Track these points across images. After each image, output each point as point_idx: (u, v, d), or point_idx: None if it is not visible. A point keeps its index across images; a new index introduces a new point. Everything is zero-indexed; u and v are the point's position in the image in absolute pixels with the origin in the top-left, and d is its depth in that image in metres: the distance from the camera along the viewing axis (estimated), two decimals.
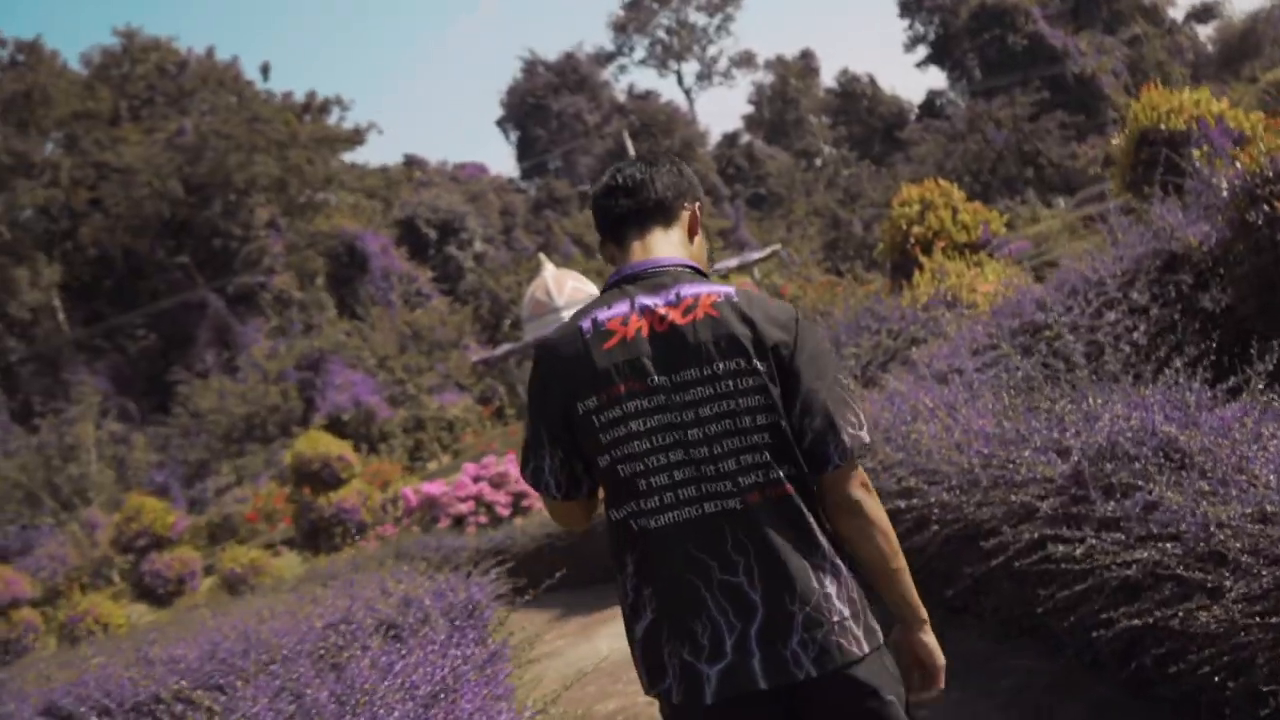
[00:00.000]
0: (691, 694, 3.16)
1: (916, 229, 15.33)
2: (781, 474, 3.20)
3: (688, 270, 3.40)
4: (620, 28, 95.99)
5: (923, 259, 13.95)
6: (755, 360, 3.20)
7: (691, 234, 3.55)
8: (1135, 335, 8.00)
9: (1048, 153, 65.73)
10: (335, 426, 43.33)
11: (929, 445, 6.55)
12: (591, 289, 32.55)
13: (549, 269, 33.10)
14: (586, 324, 3.31)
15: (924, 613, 3.38)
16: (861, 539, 3.26)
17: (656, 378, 3.22)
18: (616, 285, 3.40)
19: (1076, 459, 5.11)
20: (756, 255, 25.89)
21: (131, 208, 55.68)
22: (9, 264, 54.25)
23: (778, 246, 33.21)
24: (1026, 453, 5.46)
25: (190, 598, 23.81)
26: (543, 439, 3.37)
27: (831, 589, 3.19)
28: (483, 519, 17.05)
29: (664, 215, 3.48)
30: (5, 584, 25.59)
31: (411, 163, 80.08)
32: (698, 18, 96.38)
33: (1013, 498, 5.30)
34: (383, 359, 47.61)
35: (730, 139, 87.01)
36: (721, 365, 3.20)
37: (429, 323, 50.38)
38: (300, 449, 23.48)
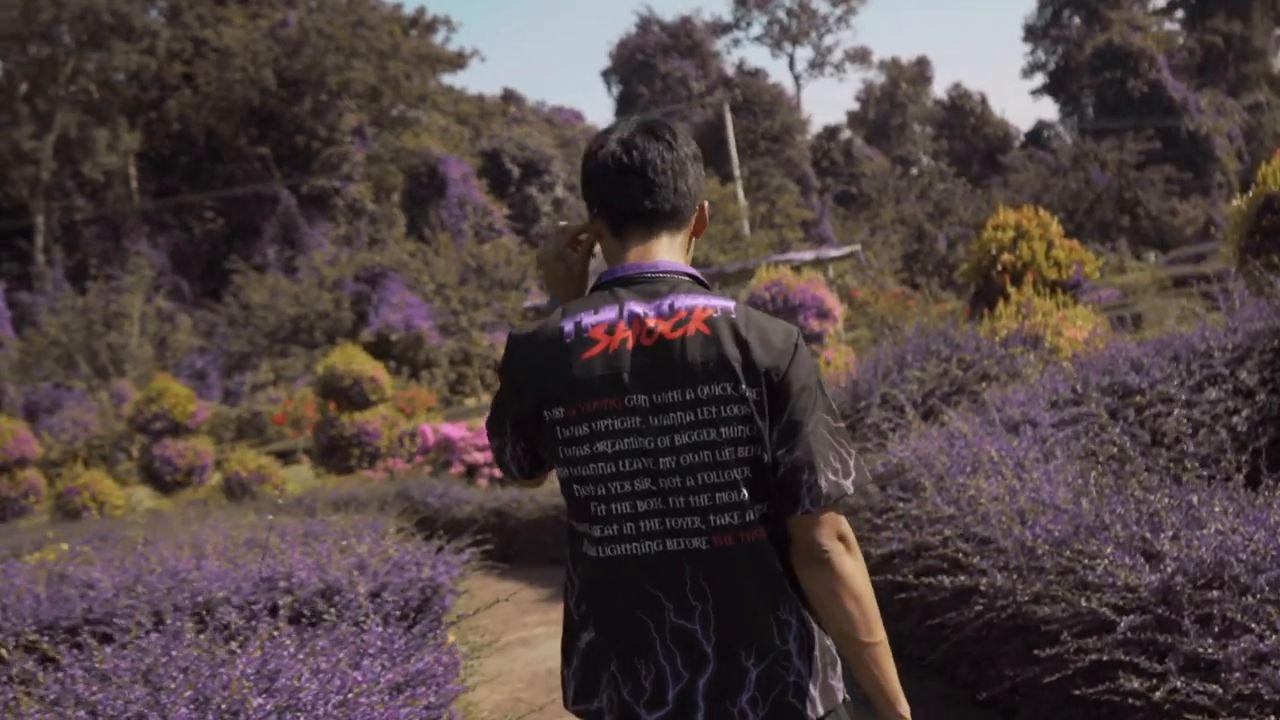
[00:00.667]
0: None
1: (1007, 256, 14.59)
2: (757, 515, 2.88)
3: (686, 279, 3.05)
4: (742, 1, 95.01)
5: (1010, 289, 13.03)
6: (744, 386, 2.87)
7: (696, 234, 3.22)
8: (1235, 420, 7.10)
9: (1147, 204, 64.43)
10: (382, 345, 42.89)
11: (987, 507, 5.64)
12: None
13: None
14: (569, 326, 2.98)
15: (904, 705, 2.92)
16: (827, 598, 2.88)
17: (634, 397, 2.90)
18: (607, 287, 3.04)
19: (1171, 571, 4.17)
20: (834, 252, 24.95)
21: (222, 89, 55.32)
22: (91, 123, 53.98)
23: (857, 247, 32.23)
24: (1108, 548, 4.51)
25: (196, 490, 23.16)
26: (506, 427, 3.10)
27: (793, 646, 2.89)
28: (496, 473, 16.27)
29: (677, 220, 3.10)
30: (15, 440, 24.97)
31: (508, 97, 79.38)
32: (821, 4, 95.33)
33: (1083, 602, 4.35)
34: (441, 286, 46.96)
35: (830, 132, 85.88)
36: (707, 389, 2.87)
37: (495, 258, 49.61)
38: (334, 362, 22.78)
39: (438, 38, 65.10)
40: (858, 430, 9.06)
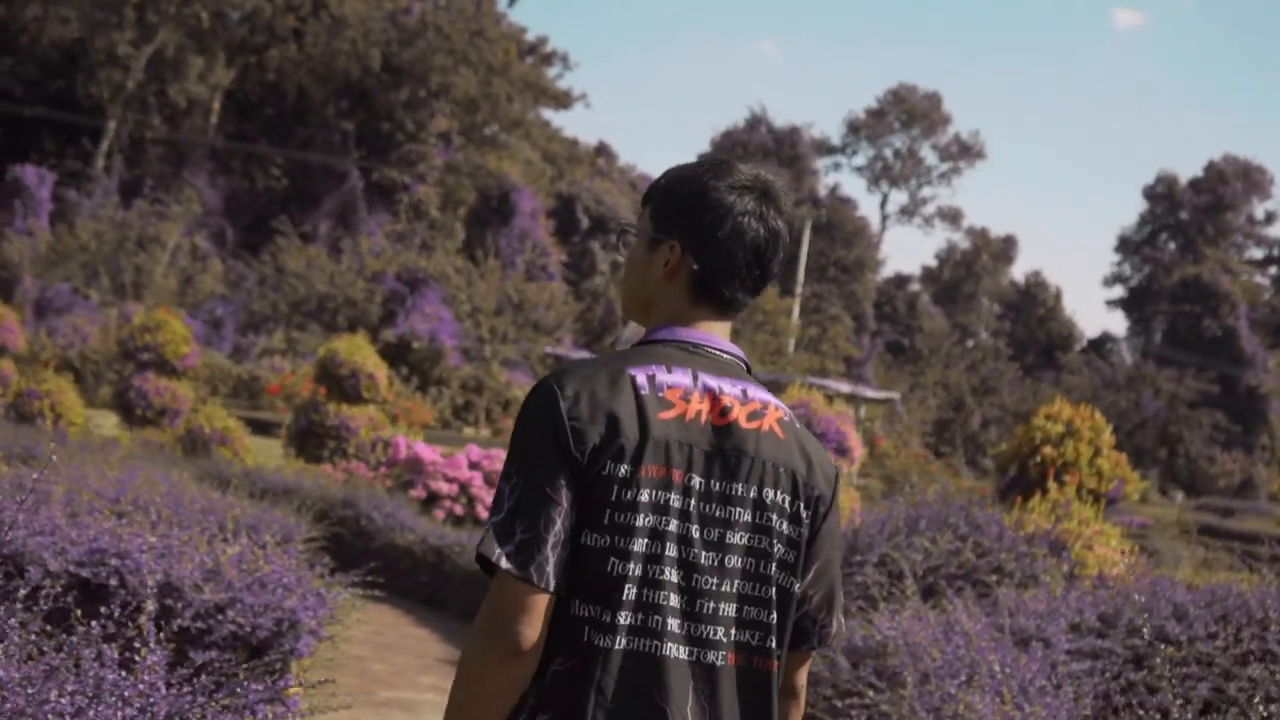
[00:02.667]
0: None
1: (1049, 450, 13.81)
2: (775, 643, 2.66)
3: (744, 367, 2.79)
4: (854, 128, 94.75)
5: (1051, 485, 12.05)
6: (802, 506, 2.68)
7: None
8: (1274, 711, 6.07)
9: (1189, 443, 63.46)
10: (401, 349, 42.05)
11: None
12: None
13: None
14: (641, 378, 2.63)
15: None
16: None
17: (697, 478, 2.61)
18: (671, 344, 2.72)
19: None
20: (871, 393, 23.94)
21: (326, 55, 54.92)
22: (191, 48, 53.54)
23: (896, 396, 31.12)
24: None
25: (162, 432, 22.15)
26: (559, 491, 2.53)
27: None
28: (458, 509, 15.18)
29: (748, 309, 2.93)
30: (1, 324, 24.03)
31: (601, 150, 78.79)
32: (930, 156, 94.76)
33: None
34: (476, 310, 46.10)
35: (900, 280, 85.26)
36: (772, 495, 2.64)
37: (538, 299, 48.76)
38: (337, 348, 21.86)
39: (551, 70, 64.70)
40: (845, 586, 8.00)
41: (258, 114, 57.21)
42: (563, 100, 64.58)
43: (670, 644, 2.55)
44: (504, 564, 2.48)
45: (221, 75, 54.08)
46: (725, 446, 2.63)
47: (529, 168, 61.86)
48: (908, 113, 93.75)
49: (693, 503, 2.58)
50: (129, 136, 53.87)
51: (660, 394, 2.61)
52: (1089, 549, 9.56)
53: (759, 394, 2.71)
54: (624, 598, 2.53)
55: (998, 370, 66.47)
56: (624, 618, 2.53)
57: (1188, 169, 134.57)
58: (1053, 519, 9.87)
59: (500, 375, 44.57)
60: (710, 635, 2.58)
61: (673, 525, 2.56)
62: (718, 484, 2.61)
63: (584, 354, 40.06)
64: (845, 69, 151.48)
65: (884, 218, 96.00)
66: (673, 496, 2.56)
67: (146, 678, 3.42)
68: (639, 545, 2.54)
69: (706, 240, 2.71)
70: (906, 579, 7.29)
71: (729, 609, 2.59)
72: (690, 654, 2.56)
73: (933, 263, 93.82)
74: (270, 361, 42.75)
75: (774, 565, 2.63)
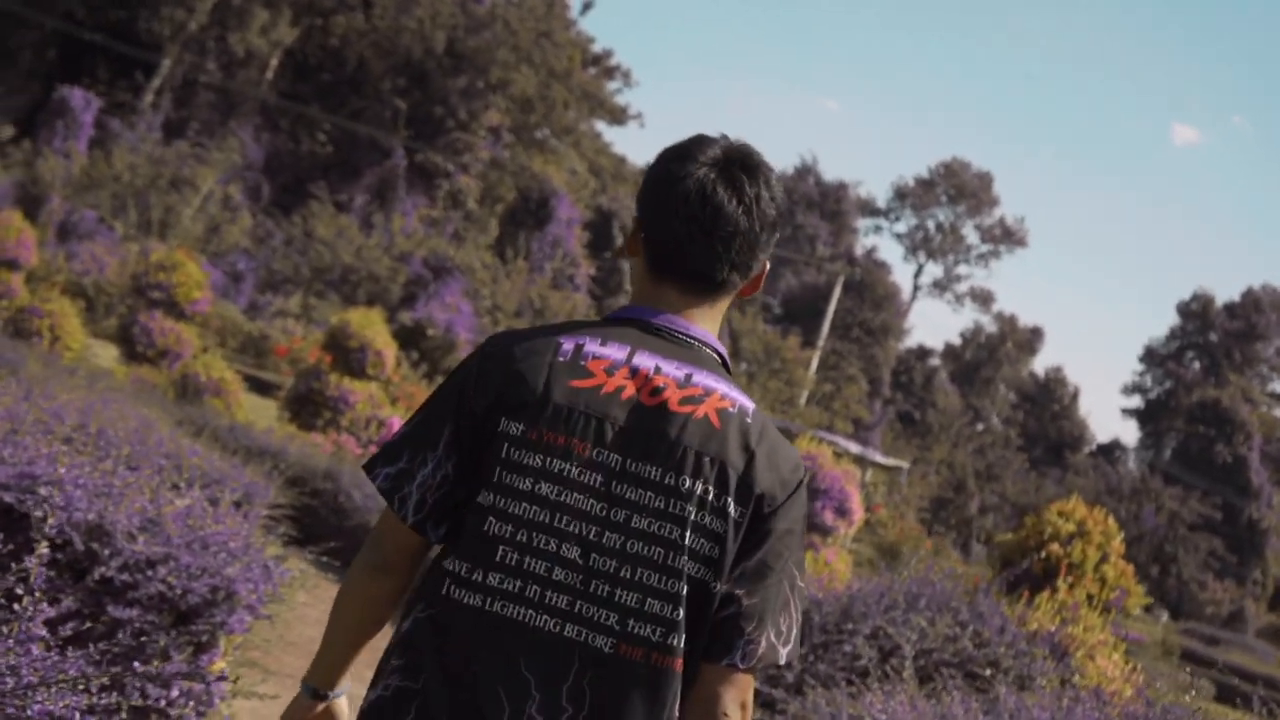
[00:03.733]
0: None
1: (1056, 548, 13.46)
2: (679, 642, 2.50)
3: (714, 356, 2.68)
4: (901, 194, 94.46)
5: (1061, 584, 11.61)
6: (731, 501, 2.53)
7: (742, 294, 2.78)
8: None
9: (1183, 565, 62.88)
10: (414, 334, 41.60)
11: None
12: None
13: None
14: (567, 344, 2.60)
15: None
16: None
17: (607, 453, 2.50)
18: (626, 322, 2.67)
19: None
20: (880, 459, 23.35)
21: (391, 30, 54.68)
22: (258, 0, 53.24)
23: (906, 465, 30.33)
24: None
25: (158, 373, 21.71)
26: (441, 436, 2.57)
27: None
28: None
29: (727, 290, 2.71)
30: (17, 241, 23.58)
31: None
32: (972, 234, 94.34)
33: None
34: (495, 307, 45.70)
35: (922, 352, 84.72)
36: (690, 484, 2.51)
37: (559, 309, 48.36)
38: (350, 319, 21.46)
39: (611, 84, 64.37)
40: (829, 656, 7.51)
41: (314, 77, 56.90)
42: (618, 116, 64.22)
43: (548, 617, 2.48)
44: (376, 482, 2.63)
45: (285, 32, 53.70)
46: (645, 427, 2.54)
47: (573, 176, 61.50)
48: (957, 188, 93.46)
49: (600, 479, 2.52)
50: (182, 77, 53.57)
51: (582, 363, 2.57)
52: (1090, 658, 9.06)
53: (706, 380, 2.60)
54: (497, 559, 2.50)
55: (1004, 459, 66.07)
56: (494, 579, 2.49)
57: (1225, 291, 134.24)
58: (1058, 620, 9.37)
59: None
60: (600, 619, 2.49)
61: (570, 498, 2.51)
62: (632, 464, 2.52)
63: None
64: (902, 133, 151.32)
65: (916, 287, 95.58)
66: (572, 468, 2.51)
67: (23, 630, 2.93)
68: (521, 509, 2.50)
69: (654, 211, 2.65)
70: (905, 660, 6.80)
71: (628, 596, 2.49)
72: (576, 633, 2.48)
73: (956, 340, 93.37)
74: (283, 323, 42.35)
75: (684, 557, 2.50)
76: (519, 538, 2.49)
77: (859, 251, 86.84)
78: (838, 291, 65.41)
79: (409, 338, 39.66)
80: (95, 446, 5.01)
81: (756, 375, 53.51)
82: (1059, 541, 13.41)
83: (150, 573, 3.89)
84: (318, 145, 55.32)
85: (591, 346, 2.59)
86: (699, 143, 2.70)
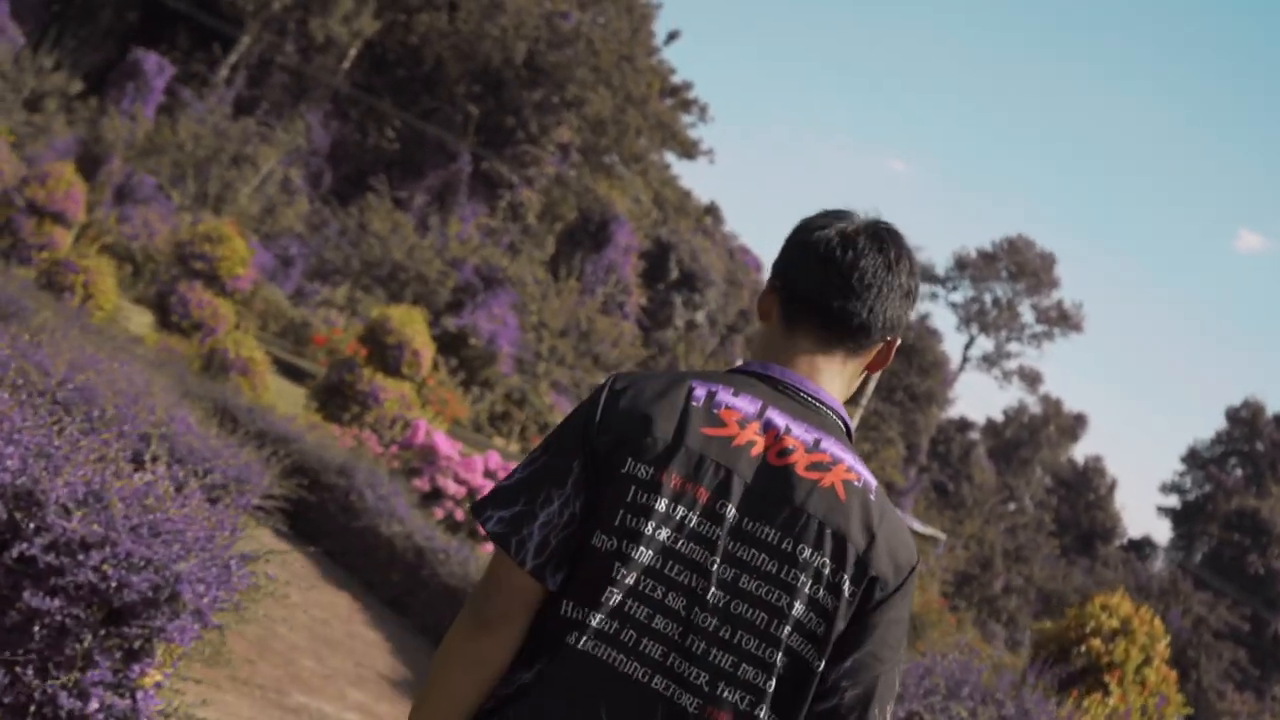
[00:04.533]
0: None
1: (1097, 643, 12.65)
2: (765, 715, 2.40)
3: (840, 424, 2.61)
4: (961, 264, 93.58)
5: (1115, 687, 10.86)
6: (846, 579, 2.44)
7: (873, 368, 2.73)
8: None
9: (1204, 673, 61.82)
10: (456, 341, 41.13)
11: None
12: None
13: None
14: (700, 391, 2.52)
15: None
16: None
17: (730, 508, 2.43)
18: (754, 376, 2.59)
19: None
20: (917, 526, 22.62)
21: (473, 35, 54.41)
22: None
23: (942, 536, 29.37)
24: None
25: (189, 345, 21.19)
26: (568, 475, 2.46)
27: None
28: (459, 514, 13.99)
29: (860, 341, 2.64)
30: (66, 194, 23.12)
31: (710, 210, 77.72)
32: (1028, 314, 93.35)
33: None
34: (542, 324, 45.13)
35: (962, 424, 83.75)
36: (808, 554, 2.43)
37: (606, 333, 47.74)
38: (391, 314, 20.88)
39: (686, 117, 63.86)
40: None
41: (389, 71, 56.61)
42: (690, 150, 63.66)
43: (639, 665, 2.40)
44: (487, 526, 2.50)
45: (367, 23, 53.43)
46: (770, 486, 2.46)
47: (635, 204, 60.99)
48: (1018, 265, 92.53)
49: (719, 532, 2.43)
50: (259, 56, 53.39)
51: (715, 411, 2.50)
52: None
53: (834, 449, 2.53)
54: (606, 600, 2.41)
55: (1035, 542, 65.14)
56: (594, 619, 2.41)
57: (1277, 402, 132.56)
58: None
59: (546, 395, 43.55)
60: (691, 676, 2.40)
61: (685, 547, 2.43)
62: (750, 522, 2.44)
63: None
64: (968, 202, 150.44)
65: (965, 359, 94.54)
66: (694, 517, 2.43)
67: None
68: (644, 555, 2.41)
69: (793, 261, 2.65)
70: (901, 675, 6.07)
71: (723, 658, 2.41)
72: (665, 687, 2.40)
73: (999, 416, 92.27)
74: (327, 313, 41.92)
75: (788, 628, 2.42)
76: (640, 586, 2.42)
77: (911, 317, 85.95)
78: None
79: (450, 344, 39.17)
80: (65, 406, 4.34)
81: None
82: (1100, 637, 12.69)
83: (83, 557, 3.22)
84: (385, 140, 54.98)
85: (724, 396, 2.52)
86: (842, 211, 2.71)
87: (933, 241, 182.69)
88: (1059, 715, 8.06)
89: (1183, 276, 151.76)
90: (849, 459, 2.53)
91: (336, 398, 20.34)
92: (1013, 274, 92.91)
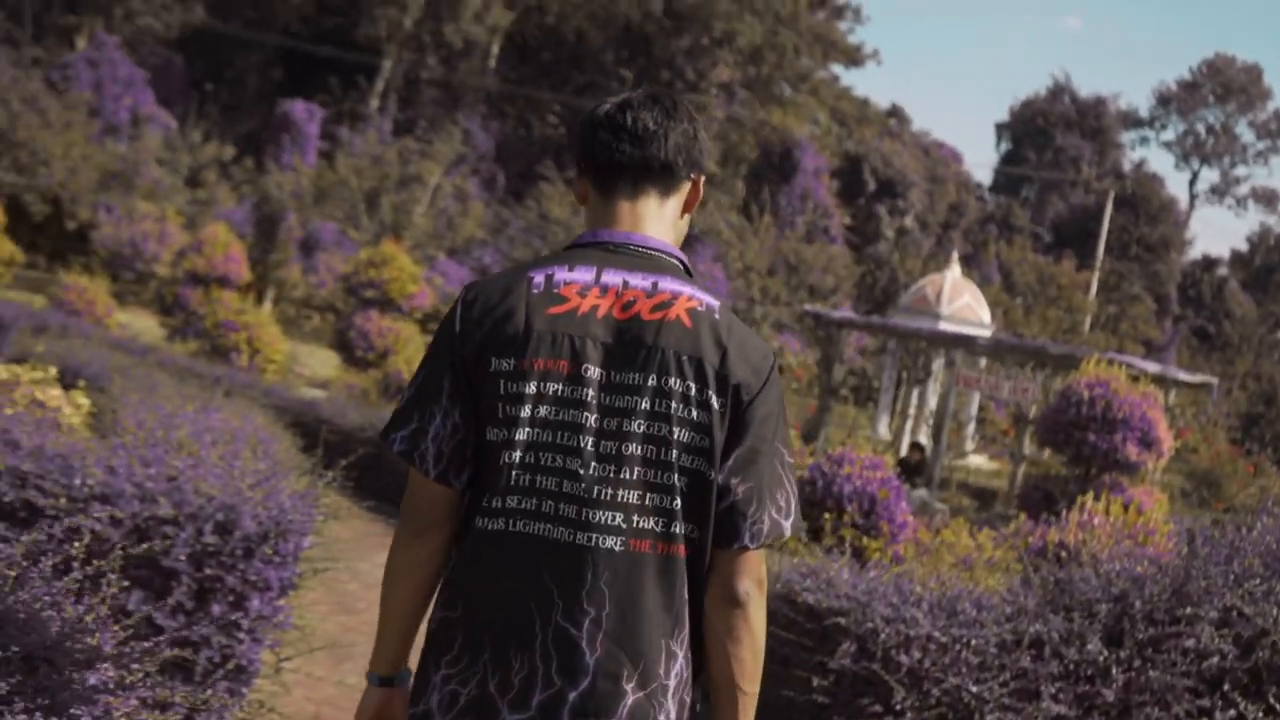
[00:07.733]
0: None
1: None
2: (683, 530, 2.71)
3: (674, 262, 2.88)
4: (1164, 100, 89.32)
5: None
6: (713, 393, 2.72)
7: (687, 209, 2.99)
8: None
9: None
10: None
11: None
12: (984, 316, 28.04)
13: (953, 272, 28.57)
14: (538, 277, 2.78)
15: None
16: (730, 641, 2.73)
17: (591, 368, 2.71)
18: (587, 246, 2.86)
19: None
20: (1185, 376, 20.81)
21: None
22: None
23: (1214, 380, 27.31)
24: None
25: (363, 376, 20.40)
26: (442, 389, 2.74)
27: (671, 682, 2.69)
28: None
29: (666, 181, 2.90)
30: (225, 257, 22.41)
31: (894, 112, 75.21)
32: (1246, 133, 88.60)
33: None
34: (748, 268, 43.66)
35: (1208, 263, 79.74)
36: (673, 382, 2.71)
37: (815, 261, 45.95)
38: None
39: (842, 25, 61.71)
40: (1162, 657, 5.21)
41: (535, 58, 55.82)
42: (853, 56, 61.49)
43: (562, 528, 2.63)
44: (394, 448, 2.77)
45: (499, 16, 52.65)
46: (624, 338, 2.71)
47: (815, 126, 59.04)
48: (1223, 86, 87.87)
49: (589, 393, 2.68)
50: (404, 77, 53.11)
51: (555, 290, 2.73)
52: None
53: (673, 285, 2.77)
54: (512, 483, 2.66)
55: None
56: (512, 501, 2.65)
57: None
58: None
59: (772, 340, 42.08)
60: (608, 521, 2.64)
61: (567, 415, 2.67)
62: (616, 374, 2.69)
63: (845, 312, 36.99)
64: (1155, 39, 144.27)
65: (1192, 196, 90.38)
66: (561, 387, 2.67)
67: None
68: (523, 434, 2.66)
69: (585, 142, 2.89)
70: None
71: (630, 495, 2.65)
72: (588, 539, 2.63)
73: (1244, 246, 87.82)
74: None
75: (675, 451, 2.67)
76: (528, 460, 2.65)
77: (1127, 166, 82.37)
78: (1109, 210, 61.47)
79: None
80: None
81: (1033, 306, 50.31)
82: None
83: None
84: (548, 127, 54.23)
85: (561, 274, 2.77)
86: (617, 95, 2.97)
87: (1129, 87, 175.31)
88: None
89: None
90: (688, 289, 2.77)
91: (353, 348, 20.06)
92: (1219, 96, 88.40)
